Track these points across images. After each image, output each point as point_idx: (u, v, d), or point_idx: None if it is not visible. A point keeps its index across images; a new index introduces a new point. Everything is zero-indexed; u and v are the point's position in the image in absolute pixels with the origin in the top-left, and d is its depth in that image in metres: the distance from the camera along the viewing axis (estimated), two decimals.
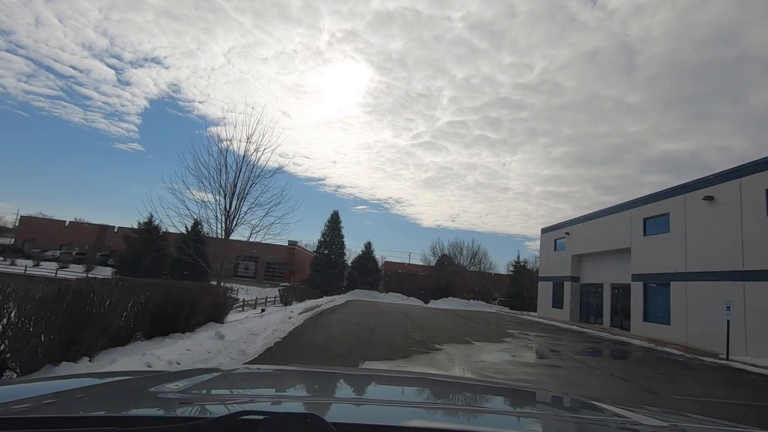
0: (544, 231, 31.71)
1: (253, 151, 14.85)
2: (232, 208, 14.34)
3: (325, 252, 40.91)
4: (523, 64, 68.60)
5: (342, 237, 41.76)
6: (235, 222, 14.54)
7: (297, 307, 16.57)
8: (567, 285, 26.84)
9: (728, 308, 12.75)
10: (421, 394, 1.68)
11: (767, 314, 13.22)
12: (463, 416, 1.20)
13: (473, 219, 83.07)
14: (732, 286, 14.56)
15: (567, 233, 27.38)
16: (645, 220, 19.99)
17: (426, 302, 38.78)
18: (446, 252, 48.54)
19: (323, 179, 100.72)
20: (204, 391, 1.35)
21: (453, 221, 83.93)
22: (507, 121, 74.18)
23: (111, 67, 70.90)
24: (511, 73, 69.57)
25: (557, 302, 28.01)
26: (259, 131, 15.13)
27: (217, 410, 1.04)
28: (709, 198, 15.98)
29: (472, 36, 66.00)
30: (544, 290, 30.15)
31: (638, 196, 20.86)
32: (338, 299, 26.71)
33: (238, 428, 0.73)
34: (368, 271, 42.69)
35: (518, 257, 46.58)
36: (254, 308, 19.21)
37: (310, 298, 27.61)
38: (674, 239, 17.67)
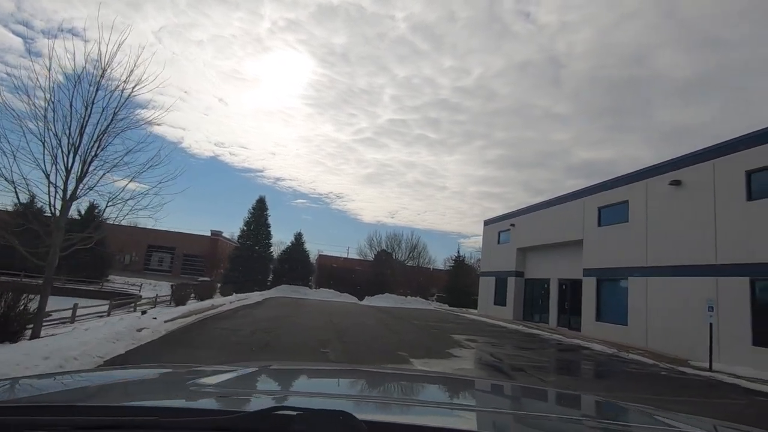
0: (487, 223, 29.65)
1: (119, 86, 9.80)
2: (74, 167, 9.45)
3: (248, 243, 36.02)
4: (461, 69, 70.06)
5: (268, 226, 37.10)
6: (80, 188, 9.67)
7: (183, 309, 12.36)
8: (511, 281, 24.81)
9: (710, 308, 10.68)
10: (450, 394, 1.68)
11: (744, 315, 11.38)
12: (495, 419, 1.17)
13: (412, 216, 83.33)
14: (702, 282, 12.69)
15: (512, 225, 25.35)
16: (600, 209, 18.10)
17: (360, 299, 35.48)
18: (384, 245, 45.59)
19: (261, 171, 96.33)
20: (241, 386, 1.39)
21: (392, 217, 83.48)
22: (446, 123, 75.32)
23: (18, 35, 59.56)
24: (451, 76, 70.67)
25: (500, 299, 25.96)
26: (128, 59, 10.07)
27: (253, 404, 1.15)
28: (676, 182, 14.11)
29: (414, 37, 65.91)
30: (486, 286, 28.06)
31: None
32: (254, 297, 22.49)
33: (272, 423, 0.76)
34: (298, 264, 38.47)
35: (458, 252, 44.82)
36: (153, 306, 14.97)
37: (224, 295, 23.15)
38: (633, 230, 15.78)
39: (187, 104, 70.61)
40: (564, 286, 20.61)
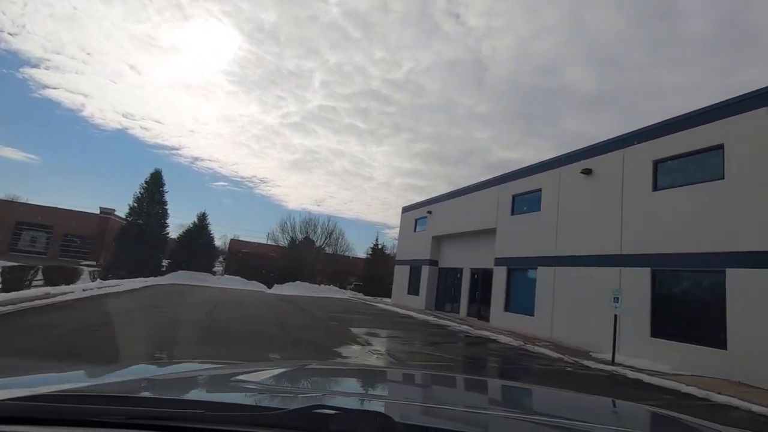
0: (405, 210, 28.66)
1: None
2: None
3: (139, 221, 31.32)
4: (393, 61, 69.82)
5: (164, 204, 32.54)
6: None
7: None
8: (425, 269, 24.04)
9: (616, 299, 10.25)
10: (490, 399, 1.69)
11: (644, 306, 11.23)
12: (530, 427, 1.15)
13: (339, 205, 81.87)
14: (607, 272, 12.47)
15: (429, 212, 24.53)
16: (514, 198, 17.67)
17: (270, 287, 32.83)
18: (298, 231, 42.99)
19: (177, 149, 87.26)
20: (280, 384, 1.46)
21: (318, 205, 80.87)
22: (375, 113, 74.59)
23: None
24: (382, 67, 70.00)
25: (413, 288, 25.13)
26: None
27: (293, 402, 1.10)
28: (587, 171, 13.84)
29: (347, 23, 64.00)
30: (401, 275, 27.12)
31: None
32: (133, 284, 19.00)
33: (312, 421, 0.78)
34: (200, 249, 34.50)
35: (377, 240, 43.67)
36: None
37: (104, 280, 19.24)
38: (545, 219, 15.43)
39: (90, 68, 60.93)
40: (476, 276, 20.15)
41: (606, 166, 13.28)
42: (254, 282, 34.44)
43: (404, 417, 0.96)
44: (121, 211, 43.26)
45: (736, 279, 9.35)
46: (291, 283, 34.27)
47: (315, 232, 42.81)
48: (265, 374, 1.47)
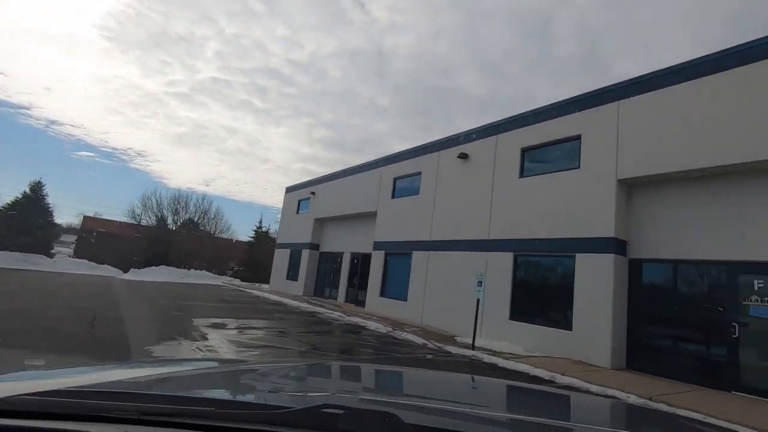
0: (288, 190, 26.78)
1: None
2: None
3: None
4: (295, 41, 66.00)
5: None
6: None
7: None
8: (305, 253, 22.65)
9: (480, 283, 10.14)
10: (500, 400, 1.66)
11: (506, 290, 11.45)
12: (534, 429, 1.14)
13: (230, 186, 75.66)
14: (475, 257, 12.53)
15: (312, 193, 23.11)
16: (395, 180, 17.19)
17: (126, 272, 28.30)
18: (165, 208, 37.99)
19: (28, 108, 70.40)
20: (290, 382, 1.48)
21: (207, 185, 73.93)
22: (275, 93, 70.14)
23: None
24: (284, 45, 65.79)
25: (293, 273, 23.60)
26: None
27: (302, 401, 1.12)
28: (464, 156, 13.78)
29: None
30: (281, 259, 25.32)
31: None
32: None
33: (320, 419, 0.79)
34: (33, 225, 28.21)
35: (261, 221, 40.49)
36: None
37: None
38: (423, 203, 15.17)
39: None
40: (356, 261, 19.42)
41: (481, 151, 13.32)
42: (106, 266, 29.41)
43: (412, 417, 0.97)
44: None
45: (581, 264, 9.82)
46: (155, 267, 30.00)
47: (186, 211, 38.19)
48: (276, 372, 1.56)
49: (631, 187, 9.74)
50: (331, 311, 15.23)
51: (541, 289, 10.93)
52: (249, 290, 22.72)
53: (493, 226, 12.25)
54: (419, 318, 14.09)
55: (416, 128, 73.59)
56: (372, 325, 12.53)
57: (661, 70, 9.29)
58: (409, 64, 64.45)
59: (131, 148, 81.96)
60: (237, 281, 31.51)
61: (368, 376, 1.87)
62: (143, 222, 37.70)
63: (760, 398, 7.24)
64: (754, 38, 8.01)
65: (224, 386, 1.34)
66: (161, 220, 37.10)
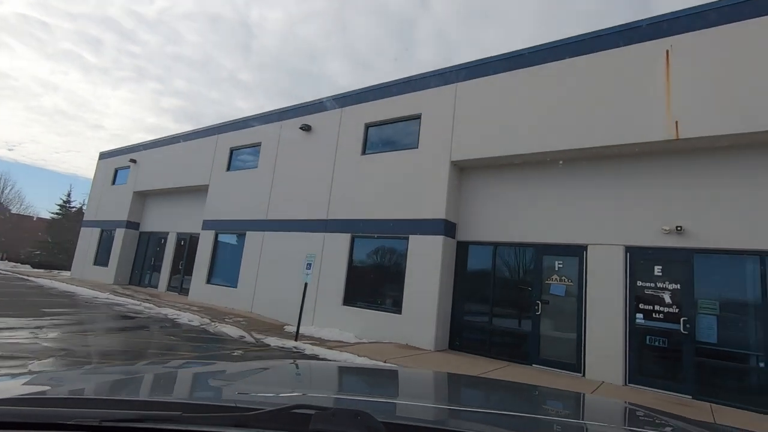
0: (103, 156, 21.83)
1: None
2: None
3: None
4: None
5: None
6: None
7: None
8: (120, 233, 18.67)
9: (309, 266, 9.08)
10: (470, 395, 1.69)
11: (341, 274, 10.68)
12: (510, 422, 1.13)
13: (45, 153, 60.59)
14: (311, 239, 11.48)
15: (133, 161, 19.14)
16: (232, 151, 15.04)
17: None
18: None
19: None
20: (261, 383, 1.41)
21: (10, 150, 57.70)
22: (113, 48, 58.30)
23: None
24: None
25: (103, 257, 19.28)
26: None
27: (273, 402, 1.06)
28: (307, 128, 12.55)
29: None
30: (88, 240, 20.50)
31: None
32: None
33: (291, 420, 0.78)
34: None
35: (69, 194, 32.47)
36: None
37: None
38: (261, 177, 13.48)
39: None
40: (183, 242, 16.64)
41: (325, 124, 12.25)
42: None
43: (385, 414, 0.97)
44: None
45: (414, 246, 9.57)
46: None
47: None
48: (245, 373, 1.50)
49: (462, 171, 9.81)
50: (139, 302, 12.48)
51: (376, 272, 10.44)
52: (33, 279, 17.66)
53: (333, 205, 11.35)
54: (249, 306, 12.48)
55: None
56: (186, 317, 10.48)
57: (492, 57, 9.48)
58: (277, 42, 60.59)
59: None
60: (27, 267, 24.78)
61: (340, 376, 1.85)
62: None
63: (553, 369, 7.81)
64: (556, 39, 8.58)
65: (191, 388, 1.31)
66: None
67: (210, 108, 68.02)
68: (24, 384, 1.17)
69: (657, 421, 1.32)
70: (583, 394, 1.97)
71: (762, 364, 6.30)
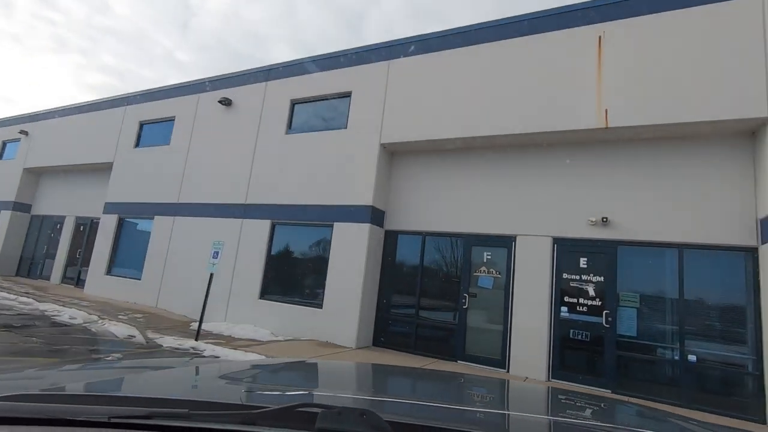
0: None
1: None
2: None
3: None
4: None
5: None
6: None
7: None
8: (5, 215, 16.04)
9: (215, 254, 7.96)
10: (477, 395, 1.67)
11: (259, 264, 9.65)
12: (518, 423, 1.13)
13: None
14: (230, 225, 10.31)
15: (24, 132, 16.49)
16: (142, 125, 13.28)
17: None
18: None
19: None
20: (268, 381, 1.44)
21: None
22: (27, 14, 51.16)
23: None
24: None
25: None
26: None
27: (279, 400, 1.09)
28: (227, 102, 11.26)
29: None
30: None
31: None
32: None
33: (297, 419, 0.78)
34: None
35: None
36: None
37: None
38: (174, 156, 11.95)
39: None
40: (82, 228, 14.57)
41: (247, 99, 11.03)
42: None
43: (391, 414, 0.96)
44: None
45: (338, 234, 8.80)
46: None
47: None
48: (251, 372, 1.52)
49: (393, 155, 9.16)
50: (15, 297, 10.55)
51: (298, 263, 9.53)
52: None
53: (253, 188, 10.24)
54: (154, 301, 11.03)
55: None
56: (68, 313, 8.90)
57: (428, 34, 8.88)
58: (218, 23, 56.62)
59: None
60: None
61: (350, 374, 1.84)
62: None
63: (479, 366, 7.43)
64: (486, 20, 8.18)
65: (198, 386, 1.32)
66: None
67: (142, 87, 62.48)
68: (32, 380, 1.18)
69: (652, 418, 1.33)
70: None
71: (677, 357, 6.29)
